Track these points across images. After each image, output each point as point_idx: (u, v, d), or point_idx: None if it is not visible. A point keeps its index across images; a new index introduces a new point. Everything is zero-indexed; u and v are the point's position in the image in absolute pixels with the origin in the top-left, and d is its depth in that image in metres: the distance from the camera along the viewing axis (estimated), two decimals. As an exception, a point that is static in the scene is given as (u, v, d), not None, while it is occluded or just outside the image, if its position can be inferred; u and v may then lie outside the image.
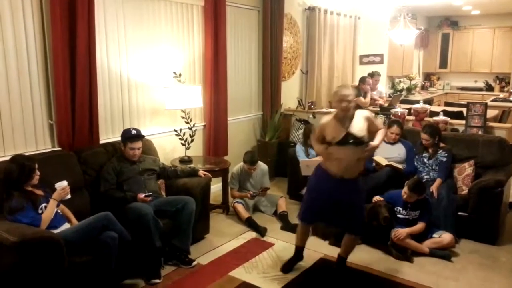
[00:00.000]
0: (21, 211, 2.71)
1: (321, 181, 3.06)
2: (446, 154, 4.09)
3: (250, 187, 4.45)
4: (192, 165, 4.13)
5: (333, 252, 3.63)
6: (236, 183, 4.43)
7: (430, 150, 4.18)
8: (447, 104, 7.49)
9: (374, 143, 2.97)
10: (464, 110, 5.01)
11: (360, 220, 3.13)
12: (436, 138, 4.15)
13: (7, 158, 2.98)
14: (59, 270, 2.59)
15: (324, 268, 3.40)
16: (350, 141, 2.86)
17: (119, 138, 3.62)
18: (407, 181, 3.68)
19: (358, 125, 2.92)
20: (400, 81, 9.29)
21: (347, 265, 3.34)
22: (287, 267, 3.32)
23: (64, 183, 2.92)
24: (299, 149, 4.67)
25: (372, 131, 3.00)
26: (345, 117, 2.93)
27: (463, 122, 4.87)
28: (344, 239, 3.24)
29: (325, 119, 3.04)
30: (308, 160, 4.39)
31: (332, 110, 6.09)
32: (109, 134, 3.92)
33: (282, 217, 4.21)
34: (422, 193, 3.63)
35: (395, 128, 4.39)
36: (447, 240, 3.60)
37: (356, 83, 6.83)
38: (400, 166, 4.23)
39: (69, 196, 2.96)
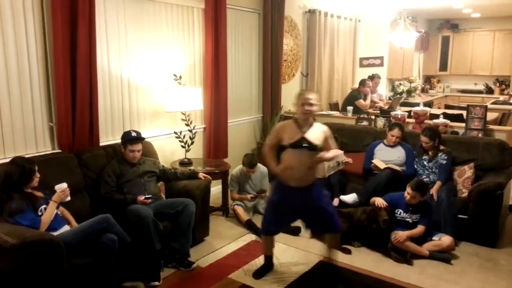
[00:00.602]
0: (21, 213, 2.72)
1: (281, 193, 3.05)
2: (446, 157, 4.10)
3: (250, 189, 4.45)
4: (192, 168, 4.13)
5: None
6: (235, 186, 4.43)
7: (430, 153, 4.18)
8: (447, 106, 7.50)
9: (327, 154, 2.94)
10: (464, 112, 5.01)
11: (333, 218, 3.10)
12: (436, 141, 4.15)
13: (7, 160, 2.99)
14: (59, 272, 2.59)
15: (324, 270, 3.39)
16: (304, 145, 2.85)
17: (119, 141, 3.63)
18: (409, 183, 3.68)
19: (315, 134, 2.93)
20: (400, 84, 9.29)
21: (347, 268, 3.34)
22: (258, 274, 3.29)
23: (64, 185, 2.93)
24: None
25: (326, 147, 3.00)
26: (304, 123, 2.93)
27: (463, 124, 4.87)
28: (326, 240, 3.24)
29: (283, 122, 3.08)
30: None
31: (332, 112, 6.14)
32: (109, 137, 3.93)
33: (282, 220, 4.20)
34: (425, 193, 3.63)
35: (396, 131, 4.39)
36: (447, 242, 3.60)
37: (356, 85, 6.84)
38: (399, 168, 4.22)
39: (68, 198, 2.96)
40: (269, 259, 3.36)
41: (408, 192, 3.62)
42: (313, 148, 2.87)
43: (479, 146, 4.23)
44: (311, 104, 2.90)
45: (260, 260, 3.53)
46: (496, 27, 9.76)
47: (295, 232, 3.94)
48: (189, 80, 4.62)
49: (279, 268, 3.42)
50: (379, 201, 3.75)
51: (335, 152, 3.03)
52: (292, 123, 2.98)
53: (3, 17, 3.12)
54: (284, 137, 2.95)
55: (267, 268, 3.35)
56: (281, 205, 3.06)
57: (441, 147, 4.19)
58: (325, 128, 3.04)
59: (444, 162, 4.08)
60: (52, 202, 2.88)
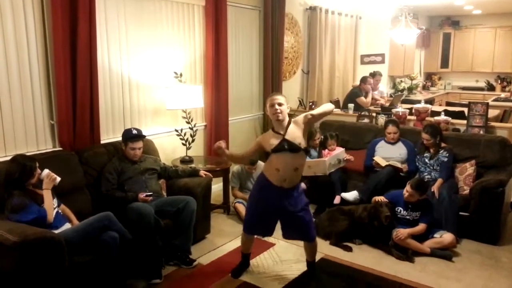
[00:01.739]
0: (25, 208, 2.72)
1: (263, 191, 3.02)
2: (447, 154, 4.09)
3: (252, 186, 4.43)
4: (193, 165, 4.13)
5: (334, 252, 3.64)
6: (237, 182, 4.43)
7: (431, 150, 4.17)
8: (449, 104, 7.48)
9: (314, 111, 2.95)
10: (466, 110, 5.00)
11: (309, 225, 3.07)
12: (437, 138, 4.14)
13: (8, 158, 2.98)
14: (60, 270, 2.59)
15: (325, 268, 3.39)
16: (286, 147, 2.85)
17: (120, 138, 3.62)
18: (409, 181, 3.68)
19: (294, 132, 2.90)
20: (401, 81, 9.27)
21: (350, 266, 3.35)
22: (236, 272, 3.29)
23: (46, 171, 2.90)
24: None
25: (317, 115, 2.95)
26: (280, 126, 2.92)
27: (465, 122, 4.87)
28: (304, 246, 3.21)
29: (263, 134, 3.11)
30: (310, 161, 4.37)
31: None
32: (110, 134, 3.92)
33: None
34: (424, 193, 3.63)
35: (390, 128, 4.39)
36: (448, 240, 3.59)
37: (357, 83, 6.83)
38: (400, 165, 4.21)
39: (58, 179, 2.92)
40: (246, 257, 3.35)
41: (407, 190, 3.61)
42: (294, 149, 2.86)
43: (480, 143, 4.22)
44: (280, 104, 2.89)
45: (261, 258, 3.54)
46: (497, 24, 9.73)
47: None
48: (189, 78, 4.62)
49: (281, 266, 3.43)
50: (379, 198, 3.75)
51: (324, 109, 2.98)
52: (271, 131, 2.99)
53: (3, 16, 3.11)
54: (266, 145, 2.95)
55: (244, 266, 3.34)
56: (261, 202, 3.04)
57: (443, 144, 4.18)
58: (297, 118, 2.98)
59: (446, 159, 4.07)
60: (45, 190, 2.87)
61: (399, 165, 4.22)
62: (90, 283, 2.81)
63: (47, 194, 2.86)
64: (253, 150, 3.09)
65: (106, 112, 3.86)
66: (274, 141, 2.89)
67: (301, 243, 3.28)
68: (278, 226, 3.13)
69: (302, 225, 3.03)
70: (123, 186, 3.44)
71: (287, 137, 2.88)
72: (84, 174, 3.42)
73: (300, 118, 2.98)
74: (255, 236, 3.32)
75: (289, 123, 2.94)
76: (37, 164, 2.88)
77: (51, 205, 2.85)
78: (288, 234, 3.15)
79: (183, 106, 4.24)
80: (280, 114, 2.89)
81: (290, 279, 3.24)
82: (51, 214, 2.82)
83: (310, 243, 3.15)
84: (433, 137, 4.12)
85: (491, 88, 10.18)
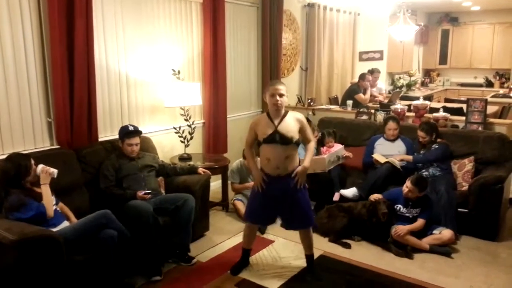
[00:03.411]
0: (24, 206, 2.72)
1: (263, 181, 3.04)
2: (437, 146, 4.10)
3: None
4: (191, 163, 4.13)
5: (333, 249, 3.64)
6: (236, 177, 4.41)
7: (427, 147, 4.16)
8: (447, 100, 7.48)
9: (304, 164, 2.98)
10: (464, 106, 5.00)
11: (308, 212, 3.08)
12: (433, 136, 4.14)
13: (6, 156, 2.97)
14: (58, 268, 2.58)
15: (324, 264, 3.39)
16: (277, 139, 2.85)
17: (118, 136, 3.61)
18: (409, 177, 3.68)
19: (289, 125, 2.91)
20: (399, 78, 9.27)
21: (349, 262, 3.34)
22: (235, 269, 3.28)
23: (40, 166, 2.89)
24: (300, 146, 4.62)
25: (303, 136, 3.02)
26: (276, 114, 2.92)
27: (463, 118, 4.86)
28: (300, 236, 3.20)
29: (257, 117, 3.10)
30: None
31: (331, 106, 6.12)
32: (108, 132, 3.91)
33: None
34: (423, 189, 3.62)
35: (390, 124, 4.38)
36: (447, 236, 3.60)
37: (356, 79, 6.82)
38: (398, 164, 4.21)
39: (55, 171, 2.90)
40: (246, 253, 3.34)
41: (407, 186, 3.61)
42: (286, 141, 2.87)
43: (479, 140, 4.22)
44: (281, 95, 2.88)
45: (260, 255, 3.54)
46: (496, 20, 9.72)
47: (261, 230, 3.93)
48: (187, 75, 4.60)
49: (280, 262, 3.43)
50: (374, 196, 3.74)
51: (311, 154, 3.05)
52: (265, 116, 2.97)
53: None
54: (258, 132, 2.96)
55: (243, 263, 3.33)
56: (262, 193, 3.04)
57: (438, 140, 4.17)
58: (299, 116, 3.00)
59: (433, 148, 4.07)
60: (43, 185, 2.86)
61: (397, 164, 4.21)
62: (89, 281, 2.81)
63: (45, 189, 2.86)
64: (254, 137, 3.04)
65: (103, 110, 3.84)
66: (267, 130, 2.89)
67: (300, 240, 3.30)
68: (273, 224, 3.12)
69: (300, 207, 3.03)
70: (122, 183, 3.43)
71: (280, 128, 2.88)
72: (82, 172, 3.41)
73: (299, 117, 2.98)
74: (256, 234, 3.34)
75: (285, 113, 2.94)
76: (33, 162, 2.87)
77: (50, 200, 2.84)
78: (288, 223, 3.16)
79: (181, 103, 4.23)
80: (279, 105, 2.89)
81: (289, 276, 3.24)
82: (51, 209, 2.82)
83: (306, 231, 3.15)
84: (428, 135, 4.12)
85: (489, 84, 10.18)
